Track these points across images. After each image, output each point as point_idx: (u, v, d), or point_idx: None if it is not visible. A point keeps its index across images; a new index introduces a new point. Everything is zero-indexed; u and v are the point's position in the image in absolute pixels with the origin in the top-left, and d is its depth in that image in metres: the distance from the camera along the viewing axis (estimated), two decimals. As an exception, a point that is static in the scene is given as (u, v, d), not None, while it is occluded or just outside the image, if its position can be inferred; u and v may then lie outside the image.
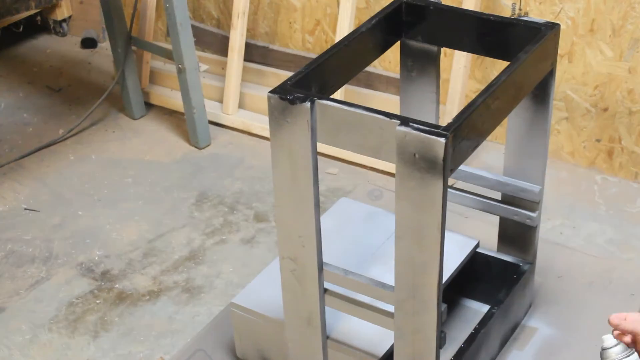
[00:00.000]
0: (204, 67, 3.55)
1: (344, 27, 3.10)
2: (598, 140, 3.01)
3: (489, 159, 3.06)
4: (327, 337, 1.87)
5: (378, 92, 3.29)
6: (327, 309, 1.83)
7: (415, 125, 1.49)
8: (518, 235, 2.06)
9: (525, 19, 1.85)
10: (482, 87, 2.51)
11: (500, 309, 1.96)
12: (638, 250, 2.70)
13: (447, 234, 1.60)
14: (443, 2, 1.94)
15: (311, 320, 1.83)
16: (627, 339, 1.44)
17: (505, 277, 2.05)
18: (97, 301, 2.55)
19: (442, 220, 1.53)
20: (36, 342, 2.42)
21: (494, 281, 2.10)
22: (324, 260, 1.78)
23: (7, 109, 3.51)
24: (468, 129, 1.55)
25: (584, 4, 2.84)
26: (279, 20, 3.45)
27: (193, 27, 3.18)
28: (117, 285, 2.61)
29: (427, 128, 1.48)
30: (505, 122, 1.90)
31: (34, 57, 3.86)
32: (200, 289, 2.58)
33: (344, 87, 2.52)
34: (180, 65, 3.11)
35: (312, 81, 1.70)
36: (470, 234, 2.14)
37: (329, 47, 1.91)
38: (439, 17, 1.91)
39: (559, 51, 2.88)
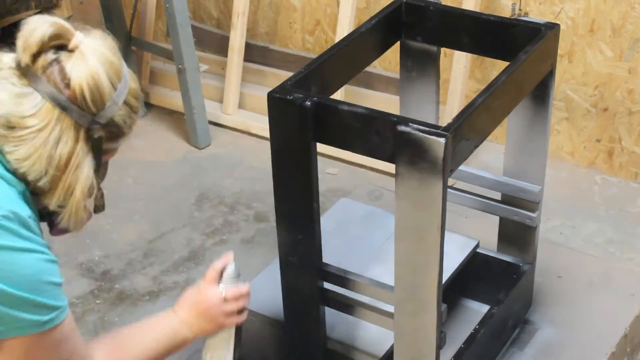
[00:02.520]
0: (204, 67, 3.55)
1: (344, 27, 3.10)
2: (598, 141, 3.01)
3: (489, 159, 3.06)
4: (327, 337, 1.87)
5: (378, 92, 3.29)
6: (327, 309, 1.83)
7: (415, 126, 1.49)
8: (518, 235, 2.06)
9: (525, 19, 1.85)
10: (482, 87, 2.50)
11: (500, 309, 1.96)
12: (638, 250, 2.70)
13: (447, 234, 1.60)
14: (443, 2, 1.94)
15: (311, 321, 1.83)
16: None
17: (505, 277, 2.05)
18: (97, 301, 2.55)
19: (442, 220, 1.53)
20: (36, 342, 2.42)
21: (494, 281, 2.09)
22: (324, 260, 1.78)
23: (7, 109, 3.50)
24: (468, 129, 1.54)
25: (584, 4, 2.84)
26: (279, 20, 3.45)
27: (193, 27, 3.18)
28: (117, 286, 2.61)
29: (427, 128, 1.48)
30: (505, 122, 1.90)
31: (34, 57, 3.86)
32: (200, 289, 2.58)
33: (344, 87, 2.52)
34: (180, 66, 3.11)
35: (312, 81, 1.70)
36: (470, 234, 2.14)
37: (329, 47, 1.91)
38: (439, 17, 1.91)
39: (559, 51, 2.88)
